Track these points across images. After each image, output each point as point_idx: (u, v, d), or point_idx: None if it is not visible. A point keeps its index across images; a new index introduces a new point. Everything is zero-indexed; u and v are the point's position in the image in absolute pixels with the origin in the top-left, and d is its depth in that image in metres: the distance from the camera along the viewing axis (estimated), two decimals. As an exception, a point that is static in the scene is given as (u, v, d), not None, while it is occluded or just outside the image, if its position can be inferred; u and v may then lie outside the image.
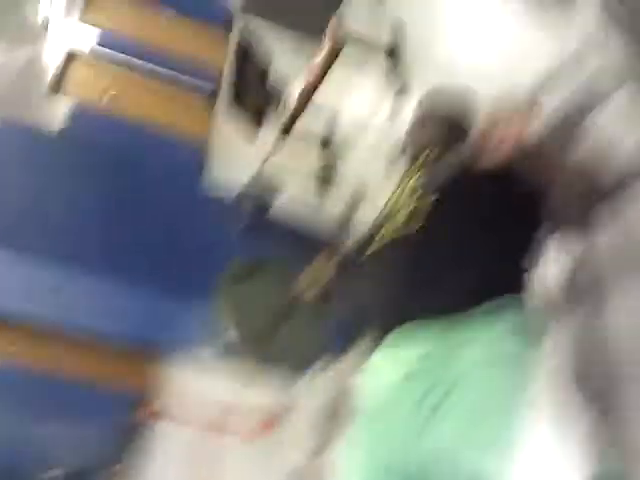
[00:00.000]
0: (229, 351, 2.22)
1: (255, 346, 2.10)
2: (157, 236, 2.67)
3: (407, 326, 1.43)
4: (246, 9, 5.14)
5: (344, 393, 2.59)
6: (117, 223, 2.61)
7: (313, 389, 3.02)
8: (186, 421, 3.47)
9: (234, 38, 4.30)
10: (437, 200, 1.53)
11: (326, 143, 3.99)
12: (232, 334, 2.07)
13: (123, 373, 3.42)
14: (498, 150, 1.28)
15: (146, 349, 3.12)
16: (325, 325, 2.11)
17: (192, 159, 7.42)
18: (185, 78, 8.79)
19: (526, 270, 1.53)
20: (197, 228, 2.69)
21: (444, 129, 1.74)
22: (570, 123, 1.55)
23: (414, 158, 1.74)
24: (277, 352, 2.12)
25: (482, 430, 1.23)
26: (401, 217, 1.58)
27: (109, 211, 2.62)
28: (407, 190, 1.62)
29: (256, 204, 2.47)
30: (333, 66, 3.33)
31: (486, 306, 1.35)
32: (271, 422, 3.44)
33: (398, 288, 1.50)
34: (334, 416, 2.77)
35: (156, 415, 3.36)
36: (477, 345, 1.32)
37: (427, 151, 1.72)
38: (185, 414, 3.46)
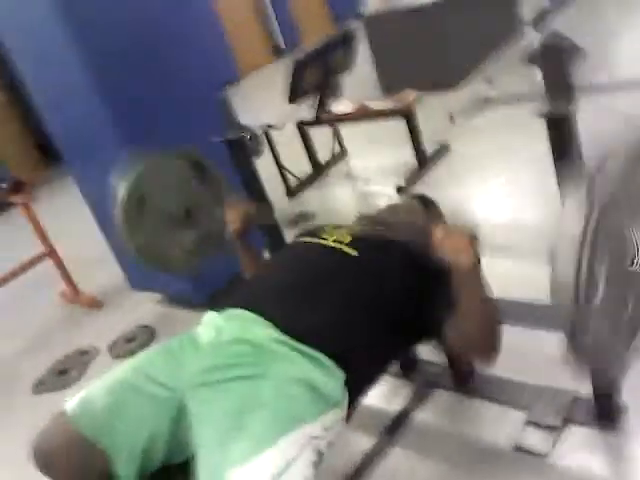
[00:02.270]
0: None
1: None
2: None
3: (259, 311, 1.45)
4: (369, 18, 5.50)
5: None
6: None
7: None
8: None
9: (337, 31, 4.54)
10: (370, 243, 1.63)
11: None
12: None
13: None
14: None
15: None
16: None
17: (224, 72, 7.55)
18: (275, 24, 8.94)
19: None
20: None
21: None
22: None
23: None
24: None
25: (242, 429, 1.22)
26: (343, 235, 1.65)
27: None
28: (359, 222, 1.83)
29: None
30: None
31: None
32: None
33: (289, 282, 1.55)
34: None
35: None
36: (293, 367, 1.34)
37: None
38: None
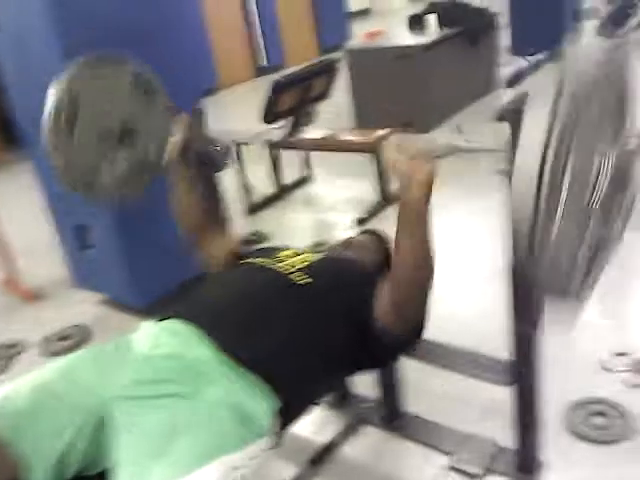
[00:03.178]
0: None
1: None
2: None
3: (201, 328, 1.41)
4: None
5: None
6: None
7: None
8: None
9: (321, 60, 4.58)
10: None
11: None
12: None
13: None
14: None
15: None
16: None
17: (203, 81, 7.52)
18: (261, 42, 8.97)
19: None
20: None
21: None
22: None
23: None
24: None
25: (171, 447, 1.19)
26: (298, 262, 1.63)
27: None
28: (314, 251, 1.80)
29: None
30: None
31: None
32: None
33: (236, 302, 1.52)
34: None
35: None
36: (227, 391, 1.31)
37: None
38: None
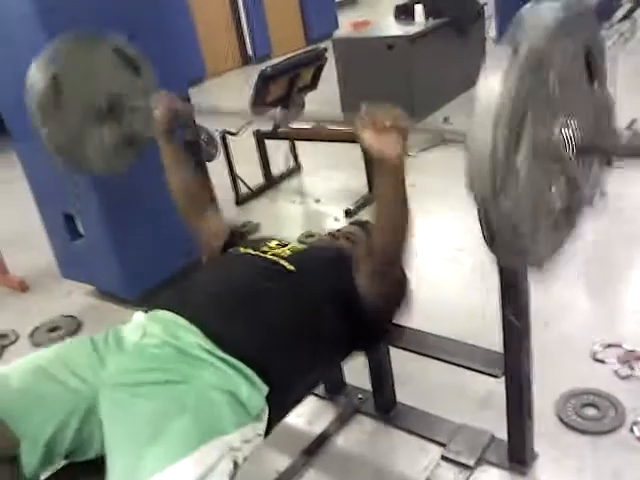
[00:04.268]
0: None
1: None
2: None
3: (189, 316, 1.44)
4: None
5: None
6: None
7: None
8: None
9: (309, 50, 4.55)
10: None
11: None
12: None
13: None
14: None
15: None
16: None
17: (189, 71, 7.43)
18: (248, 32, 8.91)
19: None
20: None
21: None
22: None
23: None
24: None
25: (162, 434, 1.19)
26: (284, 250, 1.66)
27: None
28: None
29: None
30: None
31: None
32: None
33: (223, 291, 1.54)
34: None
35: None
36: (217, 376, 1.33)
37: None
38: None
